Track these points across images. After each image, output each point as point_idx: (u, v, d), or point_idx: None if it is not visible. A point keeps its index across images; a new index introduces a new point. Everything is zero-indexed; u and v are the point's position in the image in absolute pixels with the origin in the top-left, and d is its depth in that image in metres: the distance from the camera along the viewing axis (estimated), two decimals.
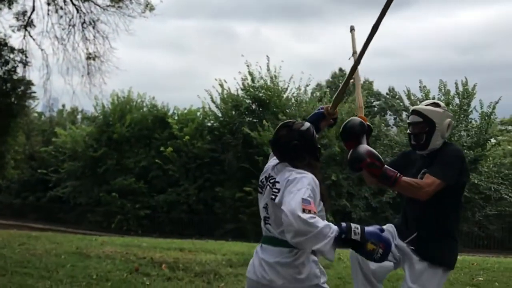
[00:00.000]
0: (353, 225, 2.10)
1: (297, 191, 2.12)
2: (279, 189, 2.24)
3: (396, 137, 18.08)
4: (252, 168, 17.07)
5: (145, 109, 20.51)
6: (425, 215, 2.79)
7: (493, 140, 16.47)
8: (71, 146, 20.17)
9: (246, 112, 17.94)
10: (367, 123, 2.86)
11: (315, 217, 2.04)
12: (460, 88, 16.28)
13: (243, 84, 18.04)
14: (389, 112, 25.07)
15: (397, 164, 2.97)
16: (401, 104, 18.17)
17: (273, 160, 2.49)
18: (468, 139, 15.89)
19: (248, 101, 18.00)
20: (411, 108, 3.01)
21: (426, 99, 16.71)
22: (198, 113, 19.34)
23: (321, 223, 2.04)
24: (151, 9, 11.22)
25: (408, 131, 2.95)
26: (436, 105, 2.92)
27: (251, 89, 17.83)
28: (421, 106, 2.95)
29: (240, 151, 17.53)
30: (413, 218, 2.87)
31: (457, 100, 16.23)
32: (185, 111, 19.61)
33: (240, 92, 18.21)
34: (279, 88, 17.97)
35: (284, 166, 2.33)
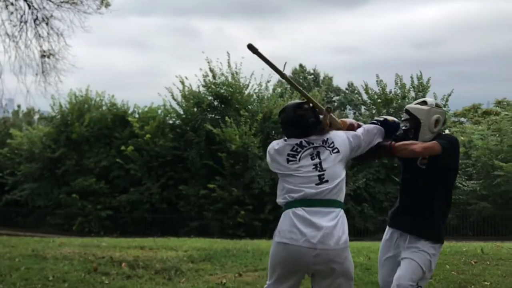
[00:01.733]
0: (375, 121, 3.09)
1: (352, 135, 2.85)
2: (333, 142, 2.76)
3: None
4: (215, 165, 17.06)
5: (104, 108, 20.04)
6: (419, 198, 3.05)
7: (446, 131, 17.11)
8: (28, 147, 19.49)
9: (208, 109, 17.87)
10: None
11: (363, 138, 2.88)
12: (416, 82, 16.82)
13: (204, 80, 17.97)
14: (348, 107, 25.61)
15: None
16: (360, 98, 18.57)
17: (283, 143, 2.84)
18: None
19: (210, 97, 17.92)
20: (406, 107, 3.30)
21: (383, 93, 17.36)
22: (159, 111, 19.07)
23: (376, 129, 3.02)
24: (107, 5, 10.96)
25: (403, 127, 3.21)
26: (423, 103, 3.18)
27: (213, 86, 17.77)
28: (410, 105, 3.27)
29: (203, 148, 17.46)
30: (408, 202, 3.13)
31: (412, 93, 16.76)
32: (146, 109, 19.31)
33: (201, 89, 18.12)
34: (241, 84, 17.99)
35: (308, 138, 2.76)
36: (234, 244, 7.22)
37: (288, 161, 2.72)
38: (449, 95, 16.30)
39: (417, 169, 3.06)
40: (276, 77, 25.32)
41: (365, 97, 17.93)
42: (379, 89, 17.07)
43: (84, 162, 18.73)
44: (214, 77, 17.86)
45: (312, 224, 2.53)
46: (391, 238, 3.21)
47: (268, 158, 2.91)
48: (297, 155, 2.71)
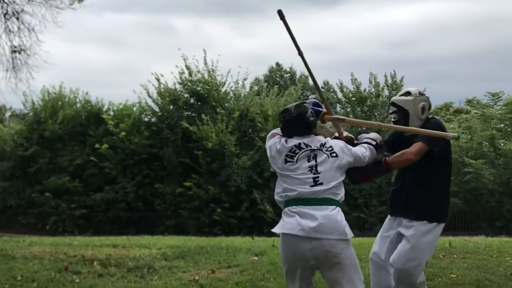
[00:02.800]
0: (366, 140, 3.14)
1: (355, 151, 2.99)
2: (331, 146, 2.87)
3: (331, 129, 18.63)
4: (192, 163, 17.00)
5: (78, 105, 19.69)
6: (416, 181, 3.23)
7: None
8: None
9: (184, 106, 17.76)
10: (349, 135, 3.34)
11: (367, 150, 3.04)
12: (389, 81, 17.12)
13: (180, 78, 17.87)
14: (323, 106, 25.83)
15: (390, 141, 3.51)
16: (335, 97, 18.79)
17: (278, 141, 2.92)
18: None
19: (186, 95, 17.83)
20: (391, 100, 3.52)
21: (358, 92, 17.61)
22: (135, 108, 18.86)
23: (368, 150, 3.06)
24: (80, 0, 10.77)
25: (392, 119, 3.43)
26: (407, 94, 3.37)
27: (189, 83, 17.69)
28: (395, 98, 3.47)
29: (179, 146, 17.36)
30: (402, 186, 3.32)
31: (386, 92, 17.04)
32: (121, 107, 19.06)
33: (177, 86, 18.04)
34: (217, 82, 17.96)
35: (308, 137, 2.88)
36: (208, 241, 7.22)
37: (286, 161, 2.84)
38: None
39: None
40: (253, 75, 25.36)
41: (340, 95, 18.15)
42: (353, 88, 17.32)
43: (57, 160, 18.39)
44: (190, 74, 17.79)
45: (308, 215, 2.70)
46: (391, 220, 3.43)
47: (268, 152, 2.99)
48: (295, 156, 2.82)
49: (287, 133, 2.93)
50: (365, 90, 17.22)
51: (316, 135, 2.94)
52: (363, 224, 16.49)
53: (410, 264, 3.17)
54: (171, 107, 17.86)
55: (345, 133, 3.37)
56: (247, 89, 19.20)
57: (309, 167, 2.79)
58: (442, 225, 3.29)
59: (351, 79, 17.30)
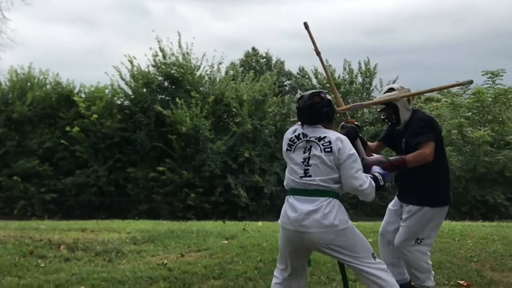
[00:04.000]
0: (378, 176, 2.93)
1: (355, 171, 2.77)
2: (330, 141, 2.77)
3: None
4: (165, 147, 16.86)
5: (48, 86, 19.18)
6: (413, 170, 3.38)
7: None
8: None
9: (158, 90, 17.52)
10: (355, 123, 3.37)
11: (365, 184, 2.77)
12: (363, 68, 17.28)
13: (154, 60, 17.60)
14: (299, 91, 25.90)
15: (387, 135, 3.77)
16: (310, 83, 18.85)
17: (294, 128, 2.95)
18: (370, 115, 16.99)
19: (159, 78, 17.58)
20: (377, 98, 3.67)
21: (332, 78, 17.69)
22: (107, 91, 18.48)
23: (367, 184, 2.78)
24: None
25: (382, 116, 3.63)
26: (391, 90, 3.55)
27: (163, 66, 17.44)
28: (381, 96, 3.61)
29: (152, 130, 17.16)
30: (403, 176, 3.51)
31: (360, 79, 17.20)
32: (93, 89, 18.64)
33: (151, 69, 17.76)
34: (192, 65, 17.76)
35: (315, 128, 2.86)
36: (179, 225, 7.20)
37: (287, 149, 2.92)
38: (394, 81, 16.86)
39: (407, 149, 3.45)
40: (229, 59, 25.17)
41: (314, 81, 18.22)
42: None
43: (26, 143, 17.92)
44: (164, 57, 17.53)
45: (295, 209, 2.79)
46: (394, 209, 3.72)
47: None
48: (293, 145, 2.88)
49: (299, 119, 2.96)
50: (339, 77, 17.35)
51: (330, 129, 2.88)
52: None
53: (404, 242, 3.48)
54: (145, 90, 17.59)
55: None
56: (223, 73, 19.09)
57: (303, 158, 2.82)
58: (437, 209, 3.48)
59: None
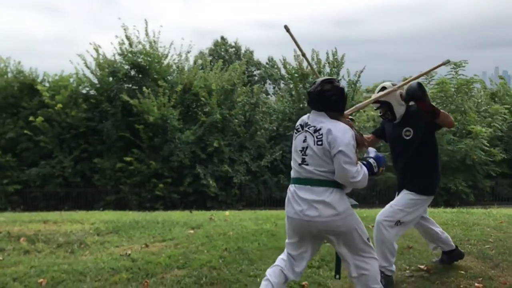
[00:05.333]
0: (372, 162, 3.00)
1: (347, 164, 2.75)
2: (322, 135, 2.78)
3: (274, 105, 18.84)
4: (132, 137, 16.60)
5: (10, 75, 18.49)
6: (409, 159, 3.68)
7: None
8: None
9: (125, 79, 17.13)
10: (349, 117, 3.33)
11: (358, 176, 2.80)
12: (331, 58, 17.41)
13: (120, 49, 17.20)
14: (268, 81, 25.94)
15: (382, 129, 4.00)
16: (278, 73, 18.87)
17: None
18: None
19: (126, 67, 17.20)
20: (371, 97, 3.80)
21: (300, 68, 17.76)
22: (72, 80, 17.96)
23: (360, 175, 2.81)
24: None
25: (378, 114, 3.86)
26: (383, 89, 3.71)
27: (129, 54, 17.07)
28: (374, 95, 3.76)
29: (119, 119, 16.83)
30: (404, 168, 3.76)
31: (327, 69, 17.33)
32: (57, 78, 18.08)
33: (117, 57, 17.34)
34: (159, 54, 17.46)
35: (319, 115, 2.87)
36: (144, 215, 7.13)
37: (294, 137, 2.99)
38: (361, 71, 17.14)
39: (404, 140, 3.71)
40: (196, 48, 24.84)
41: (283, 71, 18.26)
42: (296, 64, 17.47)
43: None
44: (130, 45, 17.15)
45: (298, 199, 2.85)
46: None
47: None
48: (297, 133, 2.95)
49: (309, 104, 2.99)
50: (307, 67, 17.43)
51: (337, 118, 2.87)
52: None
53: (386, 221, 3.67)
54: (111, 79, 17.20)
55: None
56: (191, 62, 18.87)
57: (302, 147, 2.87)
58: (424, 198, 3.72)
59: (294, 56, 17.47)
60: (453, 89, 15.87)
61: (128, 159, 16.25)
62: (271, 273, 3.05)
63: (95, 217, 6.95)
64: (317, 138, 2.81)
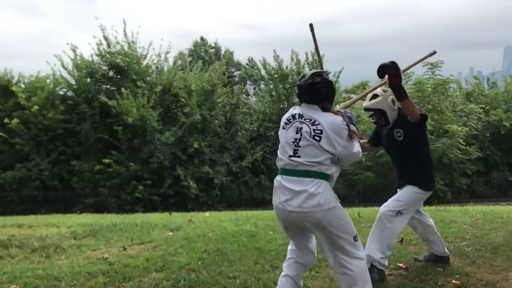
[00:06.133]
0: (351, 116, 2.99)
1: (350, 149, 2.88)
2: (321, 131, 2.81)
3: (254, 106, 18.83)
4: (111, 138, 16.38)
5: None
6: (405, 158, 3.83)
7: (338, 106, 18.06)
8: None
9: (103, 80, 16.88)
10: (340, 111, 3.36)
11: (360, 153, 2.99)
12: (310, 59, 17.48)
13: (98, 49, 16.95)
14: (249, 82, 25.92)
15: (378, 131, 4.08)
16: (259, 74, 18.87)
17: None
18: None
19: (104, 67, 16.96)
20: (363, 106, 3.97)
21: (280, 69, 17.80)
22: (48, 81, 17.62)
23: (359, 148, 2.98)
24: None
25: (372, 120, 3.94)
26: (375, 96, 3.81)
27: (107, 55, 16.83)
28: (366, 103, 3.86)
29: (97, 121, 16.58)
30: (400, 165, 3.93)
31: (307, 69, 17.38)
32: (33, 79, 17.71)
33: (95, 58, 17.09)
34: (138, 54, 17.26)
35: (312, 108, 2.88)
36: (122, 218, 7.02)
37: (282, 127, 2.96)
38: (340, 72, 17.24)
39: (397, 141, 3.82)
40: (176, 49, 24.65)
41: (263, 72, 18.27)
42: (276, 65, 17.50)
43: None
44: (108, 45, 16.92)
45: (284, 189, 2.86)
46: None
47: None
48: (288, 124, 2.91)
49: (299, 97, 3.00)
50: (287, 68, 17.47)
51: (328, 110, 2.90)
52: None
53: (386, 209, 3.79)
54: (88, 80, 16.94)
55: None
56: (170, 63, 18.71)
57: (294, 138, 2.85)
58: (423, 192, 3.84)
59: (274, 56, 17.49)
60: (430, 89, 16.11)
61: (107, 161, 16.03)
62: (287, 267, 3.10)
63: (72, 220, 6.82)
64: (314, 132, 2.82)
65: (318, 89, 2.88)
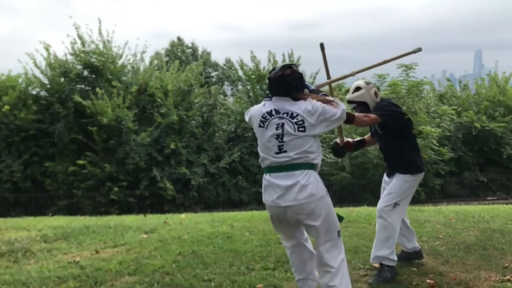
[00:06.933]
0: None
1: (329, 111, 2.90)
2: (302, 121, 2.84)
3: (232, 106, 18.78)
4: (86, 139, 16.07)
5: None
6: (391, 151, 3.92)
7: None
8: None
9: (77, 79, 16.54)
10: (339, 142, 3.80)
11: (342, 108, 2.98)
12: (287, 60, 17.54)
13: (72, 48, 16.62)
14: (226, 83, 25.83)
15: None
16: (236, 74, 18.82)
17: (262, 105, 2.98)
18: None
19: (78, 67, 16.62)
20: (346, 99, 4.02)
21: (257, 69, 17.81)
22: (20, 80, 17.18)
23: (342, 106, 2.98)
24: None
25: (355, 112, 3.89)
26: (358, 89, 3.86)
27: (82, 54, 16.51)
28: (349, 96, 3.90)
29: (71, 121, 16.24)
30: (387, 157, 4.02)
31: None
32: (3, 78, 17.23)
33: (69, 57, 16.74)
34: (113, 53, 16.99)
35: (285, 100, 2.90)
36: (96, 220, 6.87)
37: (259, 126, 2.93)
38: (317, 73, 17.34)
39: (379, 134, 3.95)
40: (152, 48, 24.33)
41: (240, 73, 18.24)
42: (253, 66, 17.50)
43: None
44: (83, 44, 16.60)
45: (275, 186, 2.88)
46: (386, 180, 4.10)
47: (246, 118, 3.13)
48: (266, 122, 2.89)
49: (270, 90, 2.99)
50: (264, 68, 17.48)
51: (300, 99, 2.91)
52: (261, 198, 16.88)
53: (385, 206, 3.83)
54: (62, 79, 16.59)
55: (346, 139, 3.93)
56: (147, 63, 18.46)
57: (276, 135, 2.85)
58: (415, 176, 3.91)
59: (251, 57, 17.49)
60: (404, 91, 16.34)
61: (81, 162, 15.71)
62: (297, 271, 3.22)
63: (43, 223, 6.63)
64: (297, 124, 2.84)
65: (288, 81, 2.91)
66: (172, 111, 16.45)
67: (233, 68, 19.87)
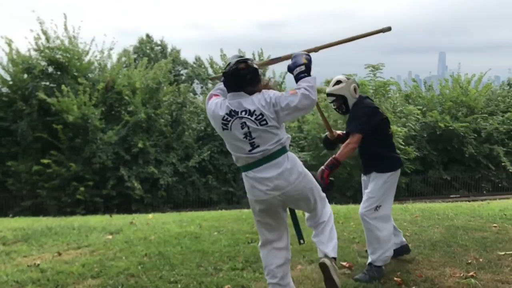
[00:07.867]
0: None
1: (284, 99, 2.85)
2: (262, 114, 2.81)
3: (202, 105, 18.62)
4: (50, 138, 15.61)
5: None
6: (366, 150, 3.91)
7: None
8: None
9: (41, 76, 16.05)
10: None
11: (306, 99, 2.87)
12: (257, 58, 17.56)
13: (36, 44, 16.10)
14: (196, 81, 25.62)
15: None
16: (206, 72, 18.71)
17: (218, 104, 2.92)
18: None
19: (43, 63, 16.13)
20: (326, 91, 4.00)
21: (227, 67, 17.66)
22: None
23: (310, 90, 2.88)
24: None
25: (333, 107, 3.98)
26: (338, 82, 3.86)
27: (46, 50, 16.02)
28: (329, 88, 3.88)
29: (35, 119, 15.74)
30: (363, 156, 4.00)
31: None
32: None
33: (33, 53, 16.22)
34: (80, 50, 16.57)
35: (239, 96, 2.86)
36: (59, 221, 6.65)
37: (223, 129, 2.90)
38: (286, 73, 17.43)
39: None
40: (120, 46, 23.91)
41: (210, 71, 18.12)
42: (223, 64, 17.44)
43: None
44: (47, 40, 16.11)
45: (263, 180, 2.88)
46: (364, 179, 4.09)
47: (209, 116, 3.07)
48: (228, 124, 2.87)
49: (225, 84, 2.95)
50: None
51: (259, 91, 2.90)
52: (232, 197, 16.88)
53: (367, 211, 3.82)
54: (25, 76, 16.06)
55: (336, 132, 4.03)
56: (114, 60, 18.08)
57: (244, 134, 2.86)
58: (392, 173, 3.89)
59: (220, 55, 17.41)
60: (371, 91, 16.60)
61: (45, 161, 15.25)
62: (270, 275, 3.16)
63: (2, 224, 6.38)
64: (257, 120, 2.83)
65: (243, 75, 2.89)
66: (140, 109, 16.18)
67: (202, 66, 19.73)
